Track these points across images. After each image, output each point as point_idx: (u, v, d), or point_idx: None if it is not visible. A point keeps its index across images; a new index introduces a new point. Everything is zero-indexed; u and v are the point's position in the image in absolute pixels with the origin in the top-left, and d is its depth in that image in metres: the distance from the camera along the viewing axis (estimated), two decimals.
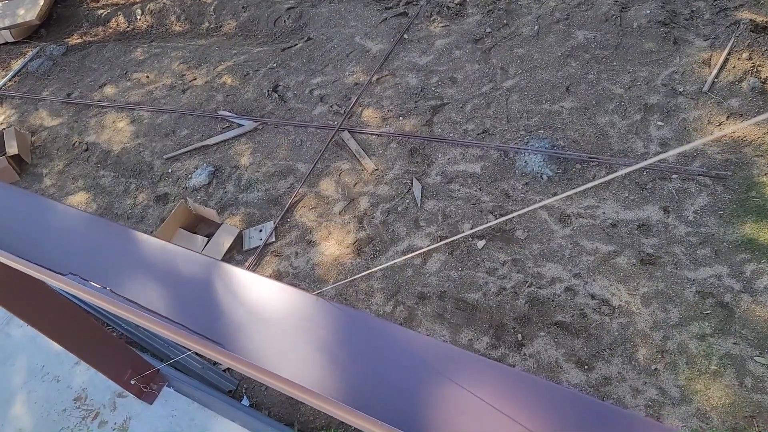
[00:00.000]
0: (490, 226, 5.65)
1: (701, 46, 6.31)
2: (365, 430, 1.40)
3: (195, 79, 8.40)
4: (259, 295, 1.71)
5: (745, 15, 6.37)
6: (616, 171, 5.69)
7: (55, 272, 1.83)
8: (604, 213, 5.46)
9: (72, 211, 2.14)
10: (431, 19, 7.95)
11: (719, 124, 5.62)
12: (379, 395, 1.44)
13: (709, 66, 6.11)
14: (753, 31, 6.18)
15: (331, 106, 7.37)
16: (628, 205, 5.44)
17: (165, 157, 7.44)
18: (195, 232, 6.48)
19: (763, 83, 5.77)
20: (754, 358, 4.37)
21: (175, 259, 1.87)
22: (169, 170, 7.31)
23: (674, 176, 5.46)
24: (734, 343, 4.47)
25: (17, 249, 1.97)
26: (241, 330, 1.64)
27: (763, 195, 5.14)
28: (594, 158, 5.80)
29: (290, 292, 1.70)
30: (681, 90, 6.01)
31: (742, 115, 5.64)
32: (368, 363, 1.52)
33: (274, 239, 6.26)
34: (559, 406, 1.39)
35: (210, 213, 6.46)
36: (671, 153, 1.23)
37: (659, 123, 5.84)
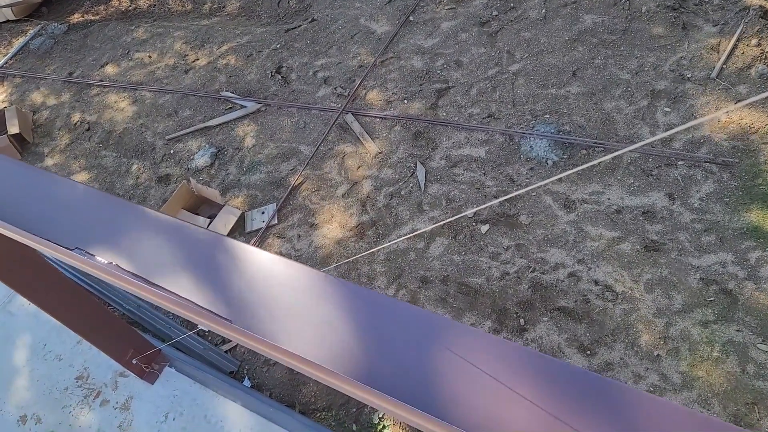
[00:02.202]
0: (491, 210, 5.63)
1: (710, 32, 6.23)
2: (372, 404, 1.39)
3: (197, 59, 8.34)
4: (266, 271, 1.69)
5: (755, 1, 6.29)
6: (621, 157, 5.65)
7: (61, 246, 1.81)
8: (609, 199, 5.42)
9: (78, 186, 2.12)
10: (437, 1, 7.87)
11: (727, 111, 5.57)
12: (385, 370, 1.42)
13: (718, 52, 6.04)
14: (762, 18, 6.10)
15: (335, 89, 7.31)
16: (633, 191, 5.40)
17: (167, 137, 7.40)
18: (197, 213, 6.46)
19: None
20: (757, 345, 4.36)
21: (181, 234, 1.84)
22: (172, 151, 7.27)
23: (680, 163, 5.42)
24: (737, 330, 4.45)
25: (24, 224, 1.95)
26: (248, 306, 1.62)
27: None
28: (600, 144, 5.75)
29: (297, 268, 1.68)
30: (689, 76, 5.95)
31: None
32: (374, 338, 1.50)
33: (276, 221, 6.24)
34: (563, 381, 1.37)
35: (212, 194, 6.43)
36: (656, 139, 1.20)
37: (666, 109, 5.79)
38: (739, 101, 5.56)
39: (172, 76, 8.23)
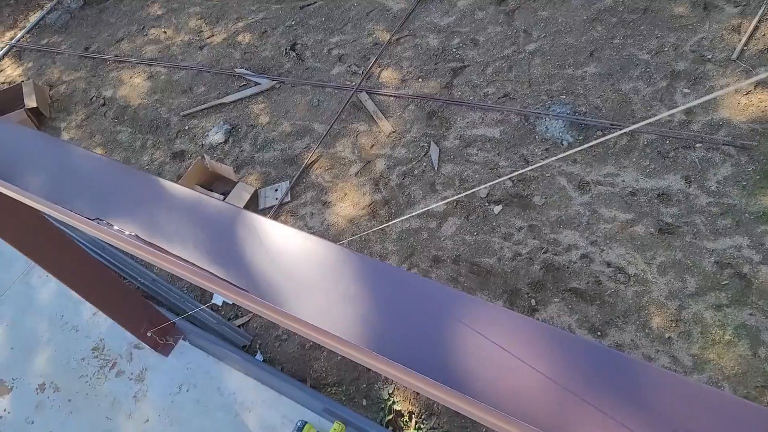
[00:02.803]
0: (504, 190, 5.61)
1: (731, 13, 6.12)
2: (386, 373, 1.41)
3: (212, 35, 8.32)
4: (283, 244, 1.70)
5: None
6: (637, 139, 5.59)
7: (82, 216, 1.84)
8: (623, 181, 5.39)
9: (98, 158, 2.14)
10: None
11: (746, 93, 5.48)
12: (399, 341, 1.44)
13: (739, 33, 5.94)
14: None
15: (349, 66, 7.28)
16: (648, 173, 5.36)
17: (182, 114, 7.42)
18: (211, 190, 6.50)
19: None
20: None
21: (199, 206, 1.87)
22: (186, 127, 7.30)
23: (698, 145, 5.37)
24: (750, 314, 4.44)
25: (45, 194, 1.98)
26: (265, 277, 1.64)
27: None
28: (616, 125, 5.70)
29: (313, 241, 1.69)
30: (709, 57, 5.86)
31: None
32: (389, 310, 1.52)
33: (289, 199, 6.27)
34: (578, 355, 1.38)
35: (226, 170, 6.46)
36: (663, 116, 1.19)
37: (685, 90, 5.71)
38: (750, 79, 5.48)
39: (187, 53, 8.22)
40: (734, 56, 5.76)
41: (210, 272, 1.63)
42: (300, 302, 1.52)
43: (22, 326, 5.53)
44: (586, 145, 1.69)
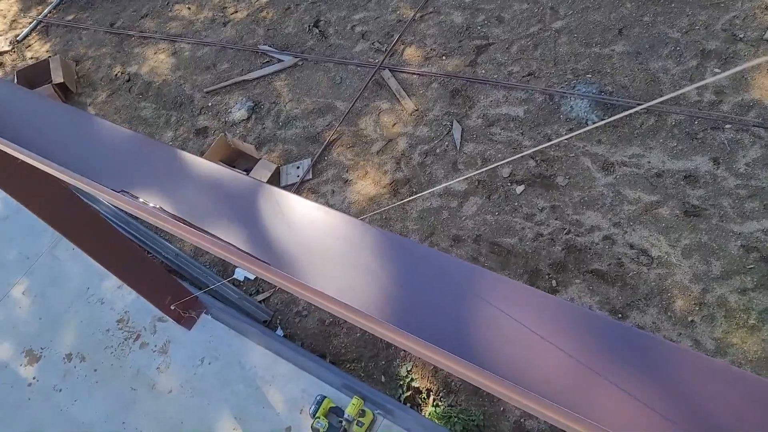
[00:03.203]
0: (527, 170, 5.55)
1: None
2: (407, 348, 1.41)
3: (236, 12, 8.30)
4: (305, 218, 1.71)
5: None
6: (665, 119, 5.49)
7: (108, 189, 1.87)
8: (649, 162, 5.30)
9: (124, 131, 2.16)
10: None
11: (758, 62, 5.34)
12: (420, 316, 1.44)
13: None
14: None
15: (372, 44, 7.22)
16: (675, 154, 5.27)
17: (205, 90, 7.45)
18: (233, 167, 6.54)
19: None
20: None
21: (223, 180, 1.88)
22: (209, 104, 7.33)
23: (727, 126, 5.25)
24: None
25: (73, 166, 2.00)
26: (287, 251, 1.65)
27: None
28: (642, 105, 5.59)
29: (335, 215, 1.70)
30: (741, 36, 5.70)
31: None
32: (410, 286, 1.52)
33: (311, 176, 6.28)
34: (599, 333, 1.37)
35: (249, 148, 6.49)
36: (678, 93, 1.17)
37: (716, 70, 5.58)
38: None
39: (210, 29, 8.22)
40: (767, 35, 5.59)
41: (233, 245, 1.64)
42: (321, 276, 1.53)
43: (50, 298, 5.66)
44: (603, 122, 1.67)
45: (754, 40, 5.64)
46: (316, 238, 1.65)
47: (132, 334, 5.23)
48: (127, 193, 1.86)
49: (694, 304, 4.50)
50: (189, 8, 8.64)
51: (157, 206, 1.81)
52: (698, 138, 5.28)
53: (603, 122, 1.30)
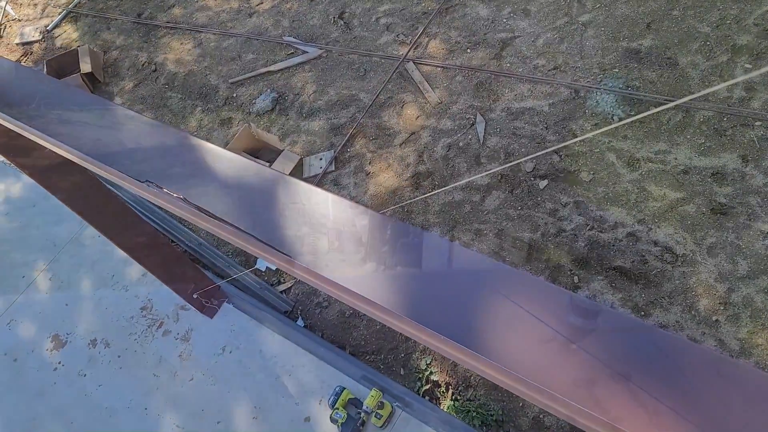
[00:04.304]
0: (551, 165, 5.50)
1: None
2: (424, 342, 1.42)
3: (261, 3, 8.33)
4: (327, 211, 1.72)
5: None
6: (693, 116, 5.39)
7: (133, 179, 1.89)
8: (675, 159, 5.22)
9: (149, 121, 2.19)
10: None
11: None
12: (439, 311, 1.44)
13: None
14: None
15: (397, 36, 7.20)
16: (703, 151, 5.17)
17: (230, 81, 7.50)
18: (257, 157, 6.59)
19: None
20: None
21: (246, 171, 1.89)
22: (234, 94, 7.38)
23: (758, 123, 5.14)
24: None
25: (98, 156, 2.04)
26: (308, 243, 1.66)
27: None
28: (670, 100, 5.50)
29: (356, 209, 1.70)
30: None
31: None
32: (431, 280, 1.52)
33: (333, 168, 6.30)
34: (615, 330, 1.36)
35: (272, 139, 6.52)
36: (704, 92, 1.14)
37: (747, 66, 5.46)
38: None
39: (236, 20, 8.27)
40: None
41: (254, 236, 1.66)
42: (340, 268, 1.54)
43: (75, 284, 5.77)
44: (630, 119, 1.64)
45: None
46: (337, 230, 1.66)
47: (155, 321, 5.31)
48: (152, 183, 1.88)
49: (719, 303, 4.43)
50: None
51: (181, 197, 1.83)
52: (727, 135, 5.18)
53: (630, 120, 1.28)
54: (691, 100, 5.44)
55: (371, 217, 1.65)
